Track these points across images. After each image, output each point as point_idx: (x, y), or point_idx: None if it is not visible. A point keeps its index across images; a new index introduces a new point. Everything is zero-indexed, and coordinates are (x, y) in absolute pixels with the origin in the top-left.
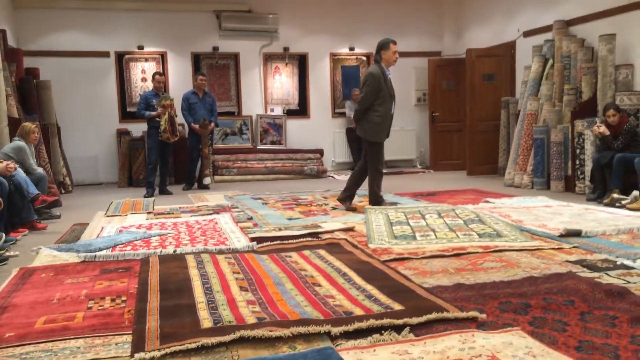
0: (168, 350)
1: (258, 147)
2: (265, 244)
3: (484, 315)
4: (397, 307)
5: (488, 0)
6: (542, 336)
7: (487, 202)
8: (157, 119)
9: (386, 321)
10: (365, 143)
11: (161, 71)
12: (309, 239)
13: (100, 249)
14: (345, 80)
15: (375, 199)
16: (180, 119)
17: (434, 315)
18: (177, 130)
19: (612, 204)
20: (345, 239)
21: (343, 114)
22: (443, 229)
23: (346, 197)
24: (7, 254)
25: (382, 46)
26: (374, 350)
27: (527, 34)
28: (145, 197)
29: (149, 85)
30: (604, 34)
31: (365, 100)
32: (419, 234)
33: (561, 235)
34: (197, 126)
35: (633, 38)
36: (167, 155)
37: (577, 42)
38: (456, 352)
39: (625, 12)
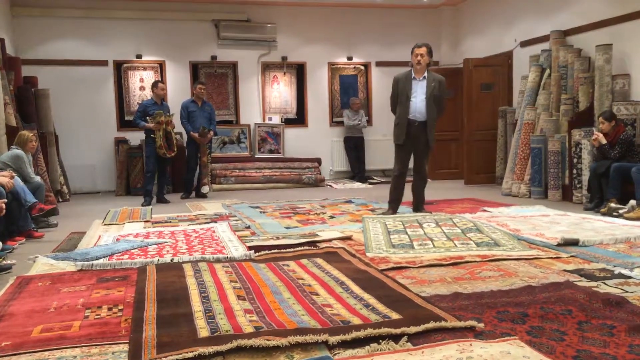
0: None
1: (256, 156)
2: (262, 252)
3: (481, 325)
4: (395, 316)
5: (485, 10)
6: (540, 345)
7: (485, 211)
8: (152, 135)
9: (384, 330)
10: None
11: (160, 79)
12: (307, 247)
13: (98, 258)
14: (344, 89)
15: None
16: (178, 127)
17: (431, 325)
18: (174, 146)
19: (609, 213)
20: (343, 248)
21: (341, 123)
22: (441, 237)
23: (416, 207)
24: (4, 262)
25: (411, 51)
26: None
27: (524, 44)
28: (142, 205)
29: (147, 93)
30: (601, 44)
31: (390, 103)
32: (417, 242)
33: (559, 245)
34: (196, 134)
35: (629, 48)
36: (165, 164)
37: (574, 52)
38: None
39: (621, 22)
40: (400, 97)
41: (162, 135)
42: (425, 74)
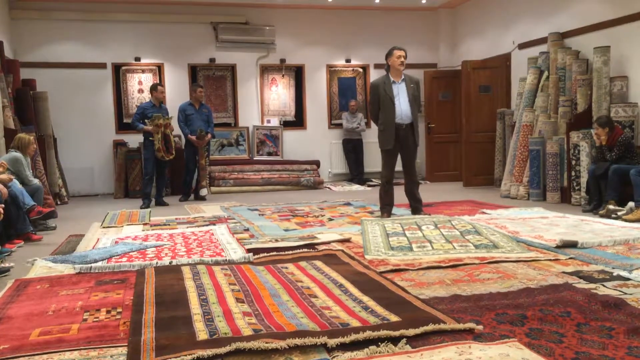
0: None
1: (254, 159)
2: (261, 255)
3: (480, 327)
4: (393, 318)
5: (483, 12)
6: (539, 347)
7: (484, 213)
8: (150, 138)
9: (383, 333)
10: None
11: (159, 82)
12: (306, 250)
13: (96, 261)
14: (342, 91)
15: (380, 206)
16: (176, 130)
17: (430, 327)
18: (173, 149)
19: (607, 215)
20: (342, 250)
21: (340, 126)
22: (439, 240)
23: (415, 209)
24: (2, 265)
25: (387, 54)
26: None
27: (522, 46)
28: (141, 208)
29: (146, 96)
30: (599, 46)
31: (369, 111)
32: (416, 245)
33: (557, 247)
34: (194, 137)
35: (627, 50)
36: (164, 167)
37: (572, 54)
38: None
39: (619, 24)
40: (383, 102)
41: (160, 138)
42: (403, 76)
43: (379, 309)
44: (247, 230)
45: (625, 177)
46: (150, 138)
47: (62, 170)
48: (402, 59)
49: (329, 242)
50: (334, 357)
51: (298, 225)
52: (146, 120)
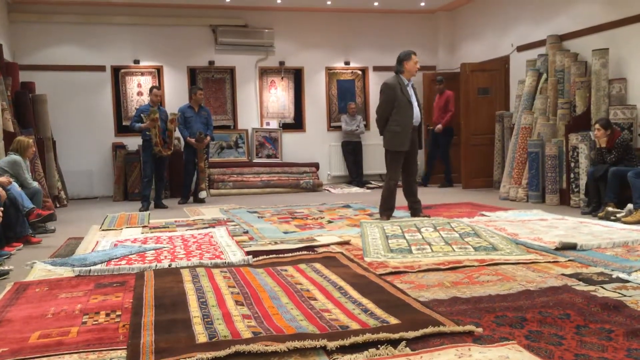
0: None
1: (254, 161)
2: (261, 257)
3: (480, 329)
4: (393, 321)
5: (482, 15)
6: (539, 350)
7: (483, 215)
8: (147, 132)
9: (382, 335)
10: (385, 153)
11: (158, 85)
12: (305, 252)
13: (95, 263)
14: (341, 94)
15: (381, 208)
16: (176, 133)
17: (430, 330)
18: (172, 144)
19: (606, 217)
20: (341, 253)
21: (339, 128)
22: (439, 242)
23: (416, 210)
24: (1, 268)
25: (405, 57)
26: None
27: (521, 48)
28: (140, 210)
29: (145, 99)
30: (597, 48)
31: (379, 109)
32: (415, 247)
33: (557, 249)
34: (193, 140)
35: (626, 52)
36: (163, 169)
37: (571, 57)
38: None
39: (618, 26)
40: (400, 103)
41: (157, 133)
42: (411, 80)
43: (378, 312)
44: (246, 232)
45: (624, 179)
46: (148, 132)
47: (61, 172)
48: (418, 65)
49: (328, 245)
50: (333, 359)
51: (297, 228)
52: (142, 115)
